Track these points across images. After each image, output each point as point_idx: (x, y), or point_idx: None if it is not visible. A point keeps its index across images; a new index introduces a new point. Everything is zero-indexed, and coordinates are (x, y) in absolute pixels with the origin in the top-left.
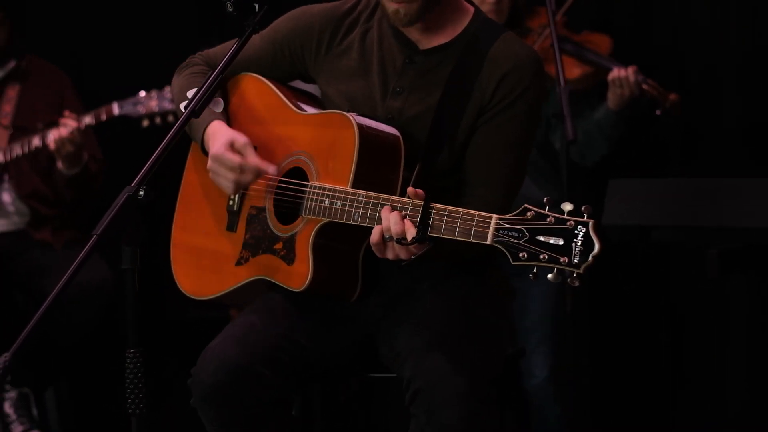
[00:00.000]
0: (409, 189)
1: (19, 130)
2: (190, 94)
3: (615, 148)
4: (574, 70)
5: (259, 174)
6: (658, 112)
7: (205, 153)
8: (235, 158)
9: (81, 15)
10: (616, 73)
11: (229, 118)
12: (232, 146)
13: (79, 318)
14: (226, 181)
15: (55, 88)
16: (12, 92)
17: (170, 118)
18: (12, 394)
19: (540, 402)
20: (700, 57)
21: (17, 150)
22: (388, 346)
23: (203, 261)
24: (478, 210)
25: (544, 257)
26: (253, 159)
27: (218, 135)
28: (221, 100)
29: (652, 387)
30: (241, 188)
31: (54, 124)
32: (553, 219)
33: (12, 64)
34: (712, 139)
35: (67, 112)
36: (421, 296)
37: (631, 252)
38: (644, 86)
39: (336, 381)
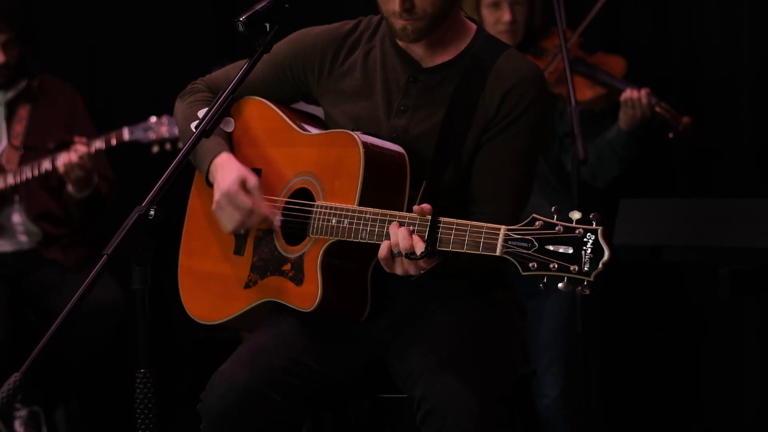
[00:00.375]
0: (415, 207)
1: (30, 150)
2: (201, 113)
3: (627, 169)
4: (587, 91)
5: (264, 221)
6: (670, 135)
7: (209, 184)
8: (247, 201)
9: (95, 36)
10: (629, 94)
11: (233, 142)
12: (244, 185)
13: (89, 337)
14: (231, 219)
15: (66, 107)
16: (23, 112)
17: (180, 145)
18: (22, 413)
19: (551, 422)
20: (712, 76)
21: (27, 172)
22: (398, 366)
23: (211, 285)
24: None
25: (554, 266)
26: (263, 204)
27: (228, 169)
28: (232, 119)
29: (664, 406)
30: (242, 229)
31: (65, 144)
32: (561, 228)
33: (23, 84)
34: (723, 159)
35: (77, 138)
36: (432, 316)
37: (643, 272)
38: (657, 109)
39: (347, 402)
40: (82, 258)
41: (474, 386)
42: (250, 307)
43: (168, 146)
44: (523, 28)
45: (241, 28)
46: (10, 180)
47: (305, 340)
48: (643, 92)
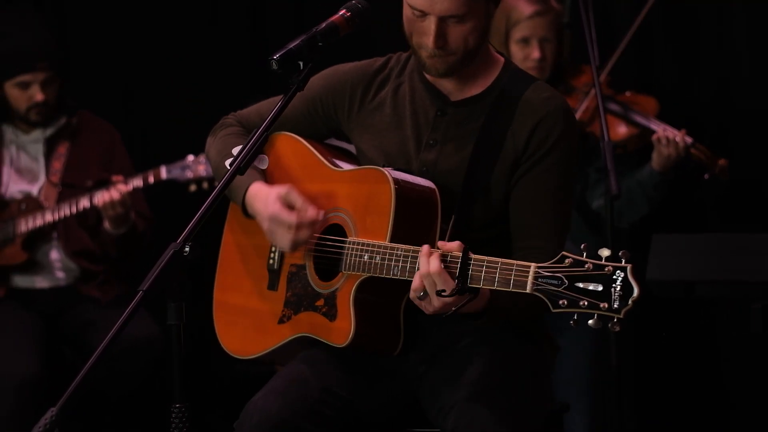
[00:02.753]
0: (447, 244)
1: (68, 187)
2: (235, 150)
3: (655, 209)
4: (619, 131)
5: (313, 226)
6: (706, 177)
7: (246, 215)
8: (291, 217)
9: (131, 74)
10: (662, 133)
11: (265, 178)
12: (282, 200)
13: (125, 372)
14: (285, 240)
15: (105, 145)
16: (62, 149)
17: (216, 182)
18: None
19: None
20: (744, 111)
21: (65, 210)
22: (430, 400)
23: (246, 320)
24: (535, 261)
25: (584, 303)
26: (304, 208)
27: (264, 194)
28: (266, 157)
29: None
30: (299, 246)
31: (103, 182)
32: (591, 265)
33: (63, 121)
34: (755, 194)
35: (115, 176)
36: (464, 351)
37: (675, 307)
38: (693, 150)
39: None
40: (118, 294)
41: (505, 420)
42: (284, 342)
43: (205, 185)
44: (551, 65)
45: (274, 66)
46: (49, 217)
47: (339, 372)
48: (680, 134)
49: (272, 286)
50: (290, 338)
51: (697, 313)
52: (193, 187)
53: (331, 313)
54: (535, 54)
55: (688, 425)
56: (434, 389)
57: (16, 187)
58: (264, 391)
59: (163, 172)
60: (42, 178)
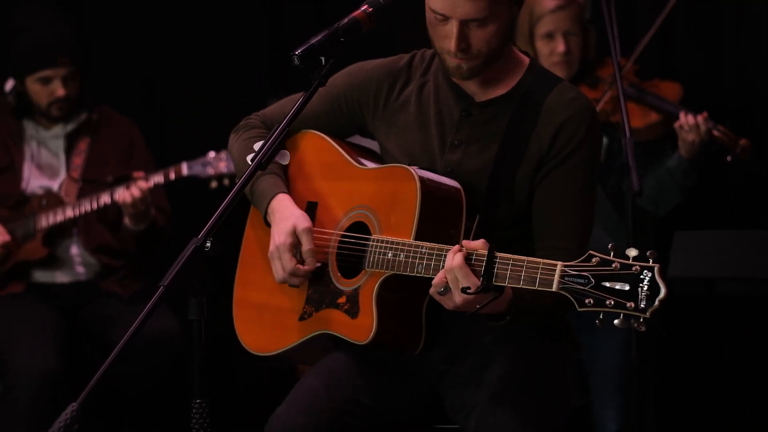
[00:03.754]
0: (471, 242)
1: (89, 183)
2: (257, 146)
3: (688, 196)
4: (642, 119)
5: (307, 277)
6: (728, 158)
7: (267, 224)
8: (290, 264)
9: (150, 69)
10: (683, 119)
11: (289, 175)
12: (294, 234)
13: (146, 368)
14: (277, 274)
15: (125, 140)
16: (83, 145)
17: (237, 180)
18: None
19: None
20: (765, 97)
21: (86, 206)
22: (452, 399)
23: (266, 317)
24: (559, 260)
25: (610, 303)
26: (307, 256)
27: (281, 216)
28: (287, 152)
29: None
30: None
31: (123, 178)
32: (618, 264)
33: (83, 117)
34: None
35: (135, 173)
36: (485, 349)
37: (696, 304)
38: (714, 132)
39: None
40: (138, 290)
41: (527, 421)
42: (305, 339)
43: (226, 181)
44: (578, 59)
45: (296, 61)
46: (69, 213)
47: (359, 378)
48: (701, 117)
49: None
50: (311, 335)
51: (719, 310)
52: (214, 184)
53: (353, 310)
54: (560, 48)
55: (709, 422)
56: (456, 388)
57: (36, 183)
58: (287, 403)
59: (184, 169)
60: (62, 174)
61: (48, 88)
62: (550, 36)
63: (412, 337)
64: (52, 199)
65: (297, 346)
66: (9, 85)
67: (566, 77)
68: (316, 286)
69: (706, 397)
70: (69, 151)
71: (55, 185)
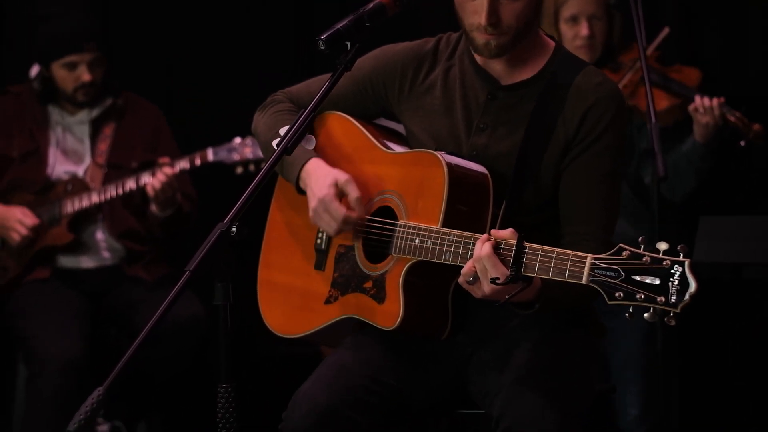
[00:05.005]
0: (500, 231)
1: (114, 168)
2: (282, 131)
3: (703, 182)
4: (660, 102)
5: (358, 223)
6: (742, 143)
7: (299, 191)
8: (341, 209)
9: (174, 55)
10: (698, 101)
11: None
12: (336, 186)
13: (172, 353)
14: (329, 227)
15: (150, 126)
16: (108, 130)
17: (264, 165)
18: (104, 427)
19: None
20: None
21: (111, 191)
22: (477, 383)
23: (291, 299)
24: (583, 247)
25: (640, 297)
26: (356, 205)
27: (319, 174)
28: (313, 137)
29: (743, 425)
30: (342, 232)
31: (148, 163)
32: (648, 258)
33: (108, 102)
34: None
35: (161, 159)
36: (510, 334)
37: (722, 290)
38: (728, 116)
39: (425, 418)
40: (164, 275)
41: (552, 405)
42: (330, 322)
43: (252, 167)
44: (602, 44)
45: (322, 46)
46: (95, 198)
47: (385, 359)
48: (716, 101)
49: (319, 265)
50: (337, 319)
51: (745, 296)
52: (239, 170)
53: (379, 295)
54: (584, 31)
55: (734, 408)
56: (481, 372)
57: (62, 168)
58: (312, 380)
59: (210, 155)
60: (88, 160)
61: (74, 73)
62: (574, 19)
63: (438, 323)
64: (78, 185)
65: (322, 330)
66: (34, 71)
67: (589, 61)
68: (342, 270)
69: (732, 383)
70: (94, 136)
71: (80, 171)
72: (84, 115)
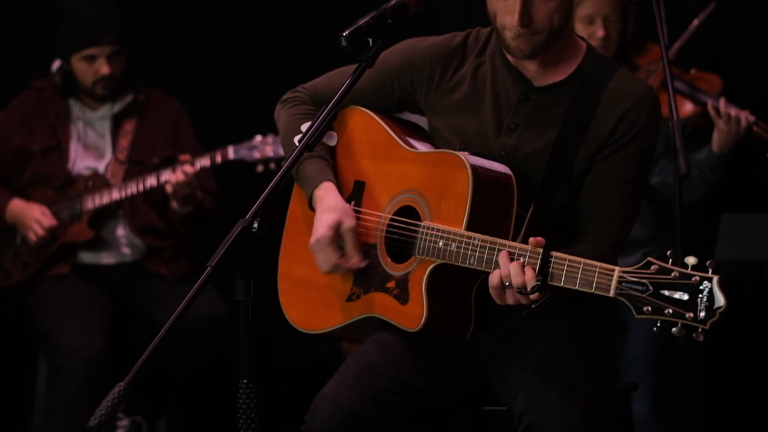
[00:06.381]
0: (531, 239)
1: (135, 164)
2: (304, 127)
3: (711, 193)
4: (684, 109)
5: (350, 271)
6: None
7: (311, 208)
8: (334, 257)
9: (196, 52)
10: (723, 107)
11: (336, 153)
12: (336, 229)
13: (192, 349)
14: (321, 265)
15: (171, 122)
16: (129, 126)
17: (284, 163)
18: (125, 423)
19: None
20: None
21: (132, 188)
22: (500, 381)
23: (312, 294)
24: (596, 247)
25: (668, 312)
26: (350, 255)
27: (325, 206)
28: (335, 134)
29: (763, 424)
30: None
31: (169, 159)
32: (677, 273)
33: (130, 98)
34: None
35: (182, 156)
36: (534, 331)
37: (745, 288)
38: (755, 128)
39: (447, 416)
40: (185, 271)
41: (576, 401)
42: (353, 320)
43: (272, 165)
44: (616, 44)
45: (344, 43)
46: (115, 194)
47: (408, 358)
48: (744, 114)
49: None
50: (360, 317)
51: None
52: (260, 168)
53: (402, 296)
54: (600, 33)
55: (755, 405)
56: (503, 369)
57: (82, 164)
58: (334, 381)
59: (231, 152)
60: (108, 155)
61: (93, 66)
62: (590, 20)
63: (461, 323)
64: (99, 181)
65: (344, 327)
66: (55, 65)
67: None
68: (365, 268)
69: (752, 380)
70: (115, 132)
71: (101, 166)
72: (105, 111)
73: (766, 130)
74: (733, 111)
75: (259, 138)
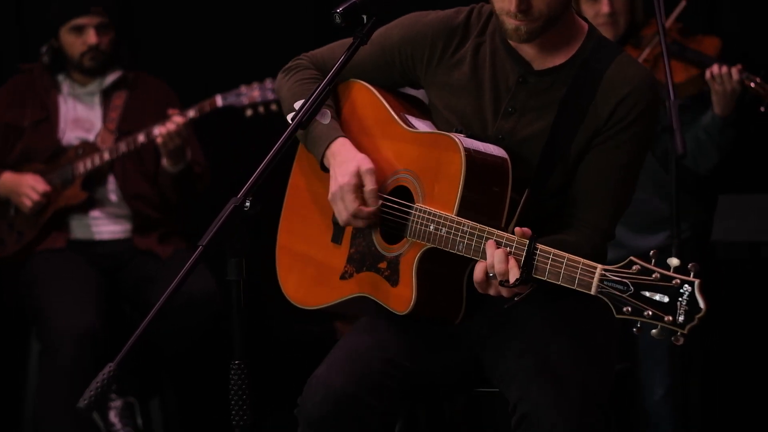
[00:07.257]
0: (516, 228)
1: (125, 134)
2: (297, 105)
3: (727, 155)
4: (678, 74)
5: (370, 219)
6: (762, 109)
7: (323, 169)
8: (354, 204)
9: (193, 23)
10: (716, 69)
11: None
12: (358, 175)
13: (184, 328)
14: (340, 215)
15: (161, 101)
16: (118, 101)
17: (273, 107)
18: (117, 403)
19: (657, 420)
20: None
21: (123, 147)
22: (494, 365)
23: (308, 269)
24: (586, 236)
25: (648, 314)
26: (370, 197)
27: (344, 158)
28: (328, 111)
29: (764, 406)
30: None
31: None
32: (659, 275)
33: (119, 74)
34: None
35: (171, 110)
36: (528, 315)
37: (740, 268)
38: (746, 82)
39: (441, 398)
40: (177, 250)
41: (571, 392)
42: (345, 299)
43: (261, 109)
44: (625, 20)
45: (338, 19)
46: (106, 156)
47: (401, 341)
48: (734, 69)
49: (336, 239)
50: (351, 296)
51: (763, 275)
52: (249, 112)
53: (393, 278)
54: (605, 9)
55: (754, 387)
56: (498, 354)
57: (72, 135)
58: (326, 364)
59: (219, 100)
60: (98, 126)
61: (81, 38)
62: None
63: (452, 308)
64: (89, 148)
65: (337, 304)
66: (45, 48)
67: (612, 38)
68: (358, 247)
69: (752, 362)
70: (105, 106)
71: (90, 137)
72: (94, 87)
73: (760, 84)
74: (724, 69)
75: (243, 86)
